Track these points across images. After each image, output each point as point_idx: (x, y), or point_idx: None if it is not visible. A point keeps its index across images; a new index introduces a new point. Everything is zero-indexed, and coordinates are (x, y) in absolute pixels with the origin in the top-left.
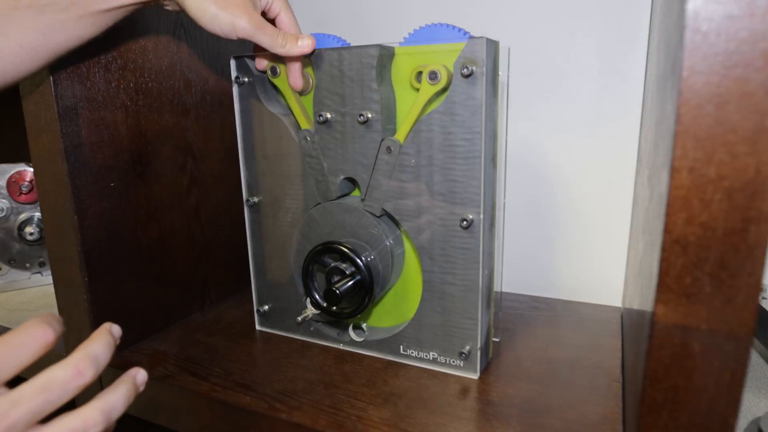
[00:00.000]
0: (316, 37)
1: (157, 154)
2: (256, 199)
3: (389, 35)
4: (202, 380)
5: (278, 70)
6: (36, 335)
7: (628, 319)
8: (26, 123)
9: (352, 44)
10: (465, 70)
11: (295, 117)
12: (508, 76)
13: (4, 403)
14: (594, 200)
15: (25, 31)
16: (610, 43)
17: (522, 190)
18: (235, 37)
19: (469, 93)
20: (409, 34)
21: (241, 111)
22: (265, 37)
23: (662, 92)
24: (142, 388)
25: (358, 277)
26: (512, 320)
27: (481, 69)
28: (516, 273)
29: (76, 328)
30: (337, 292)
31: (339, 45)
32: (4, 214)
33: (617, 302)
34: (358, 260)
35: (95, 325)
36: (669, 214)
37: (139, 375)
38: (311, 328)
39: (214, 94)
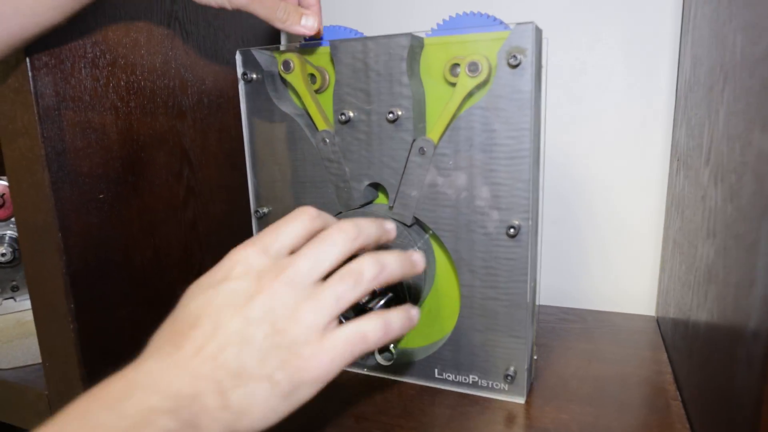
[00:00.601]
0: (332, 30)
1: (150, 161)
2: (265, 210)
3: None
4: None
5: (292, 65)
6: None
7: (675, 328)
8: (1, 124)
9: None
10: (513, 59)
11: (311, 117)
12: (546, 69)
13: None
14: (621, 204)
15: None
16: (637, 29)
17: (546, 193)
18: (230, 8)
19: (516, 85)
20: (438, 24)
21: (249, 111)
22: (262, 8)
23: (750, 81)
24: (418, 269)
25: (391, 295)
26: (545, 334)
27: (529, 58)
28: (542, 283)
29: (61, 362)
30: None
31: (355, 36)
32: None
33: (648, 311)
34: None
35: (83, 358)
36: None
37: (415, 255)
38: None
39: (211, 95)
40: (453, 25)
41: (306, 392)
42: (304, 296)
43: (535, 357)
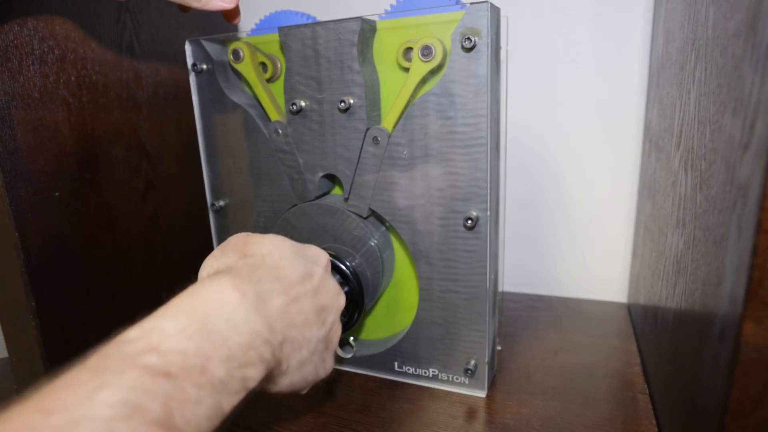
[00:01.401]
0: (281, 15)
1: (107, 156)
2: (222, 203)
3: (366, 8)
4: None
5: (241, 54)
6: None
7: (644, 318)
8: None
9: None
10: (467, 42)
11: (263, 107)
12: (506, 50)
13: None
14: (592, 188)
15: None
16: (607, 10)
17: (511, 177)
18: None
19: (471, 69)
20: (391, 5)
21: (201, 103)
22: None
23: (722, 60)
24: None
25: (346, 288)
26: (512, 323)
27: (484, 40)
28: (508, 270)
29: (26, 359)
30: None
31: (308, 21)
32: None
33: (619, 297)
34: (345, 269)
35: (47, 355)
36: (765, 208)
37: None
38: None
39: (167, 86)
40: (407, 5)
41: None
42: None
43: (500, 348)
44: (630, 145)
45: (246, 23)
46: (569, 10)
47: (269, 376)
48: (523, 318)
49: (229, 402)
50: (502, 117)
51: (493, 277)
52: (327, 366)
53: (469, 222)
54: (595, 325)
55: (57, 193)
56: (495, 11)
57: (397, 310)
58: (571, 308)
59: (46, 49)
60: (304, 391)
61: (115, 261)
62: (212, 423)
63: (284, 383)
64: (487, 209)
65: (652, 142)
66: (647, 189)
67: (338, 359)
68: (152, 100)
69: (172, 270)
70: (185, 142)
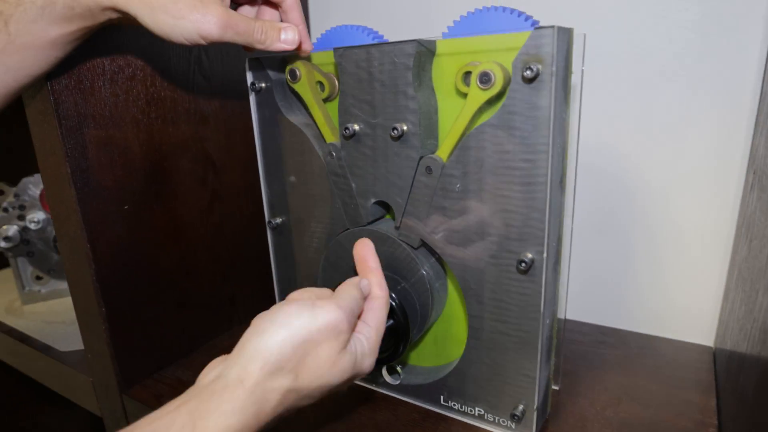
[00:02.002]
0: (341, 30)
1: (174, 169)
2: (279, 220)
3: (436, 26)
4: None
5: (298, 74)
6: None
7: (728, 372)
8: (35, 146)
9: (387, 39)
10: (528, 71)
11: (318, 128)
12: (582, 71)
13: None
14: (682, 215)
15: None
16: (712, 16)
17: (590, 200)
18: (204, 43)
19: (533, 101)
20: (455, 22)
21: (260, 121)
22: (237, 36)
23: None
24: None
25: (391, 321)
26: (575, 359)
27: (549, 69)
28: (580, 297)
29: (98, 354)
30: None
31: (371, 40)
32: (40, 225)
33: (705, 340)
34: (392, 302)
35: (115, 353)
36: None
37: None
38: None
39: (235, 98)
40: (469, 24)
41: None
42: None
43: (556, 387)
44: (731, 174)
45: (315, 35)
46: (669, 10)
47: None
48: (589, 354)
49: None
50: (572, 146)
51: (548, 321)
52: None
53: (523, 265)
54: (670, 370)
55: (126, 207)
56: (564, 35)
57: (446, 342)
58: (645, 347)
59: (116, 69)
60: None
61: (181, 268)
62: None
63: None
64: (543, 251)
65: (756, 175)
66: (745, 228)
67: (384, 384)
68: (219, 112)
69: (235, 276)
70: (252, 152)
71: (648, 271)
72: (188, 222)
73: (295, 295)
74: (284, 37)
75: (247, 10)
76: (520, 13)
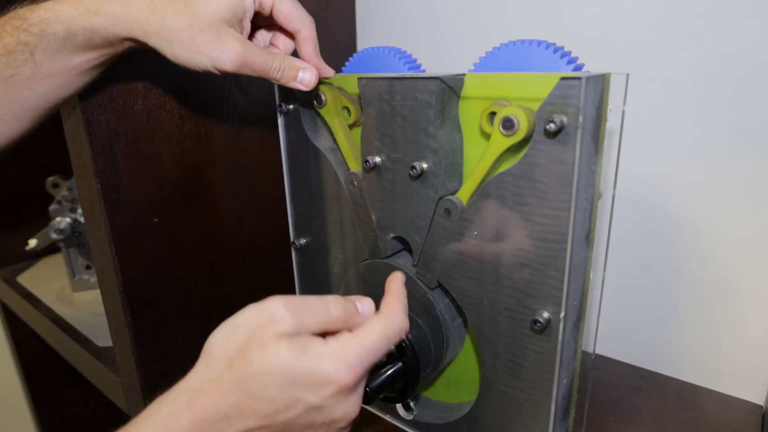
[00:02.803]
0: (373, 53)
1: (206, 182)
2: (303, 241)
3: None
4: None
5: (324, 99)
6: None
7: None
8: (71, 161)
9: (422, 65)
10: (551, 125)
11: (342, 155)
12: (623, 111)
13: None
14: (735, 252)
15: (0, 103)
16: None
17: (630, 230)
18: (217, 73)
19: (557, 155)
20: (487, 53)
21: (287, 143)
22: (252, 71)
23: None
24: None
25: (399, 365)
26: (607, 404)
27: (575, 122)
28: (619, 335)
29: (125, 357)
30: (367, 389)
31: (403, 65)
32: None
33: (754, 397)
34: (401, 343)
35: (140, 362)
36: None
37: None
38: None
39: (272, 110)
40: (500, 58)
41: None
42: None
43: None
44: None
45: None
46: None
47: None
48: (623, 401)
49: None
50: (607, 193)
51: (565, 381)
52: None
53: (538, 325)
54: (710, 429)
55: (155, 220)
56: (596, 83)
57: (463, 378)
58: (685, 398)
59: (149, 86)
60: None
61: (209, 279)
62: None
63: None
64: (561, 310)
65: None
66: None
67: (399, 417)
68: (255, 125)
69: (266, 283)
70: None
71: (694, 313)
72: (219, 234)
73: None
74: (301, 77)
75: (262, 34)
76: (556, 49)
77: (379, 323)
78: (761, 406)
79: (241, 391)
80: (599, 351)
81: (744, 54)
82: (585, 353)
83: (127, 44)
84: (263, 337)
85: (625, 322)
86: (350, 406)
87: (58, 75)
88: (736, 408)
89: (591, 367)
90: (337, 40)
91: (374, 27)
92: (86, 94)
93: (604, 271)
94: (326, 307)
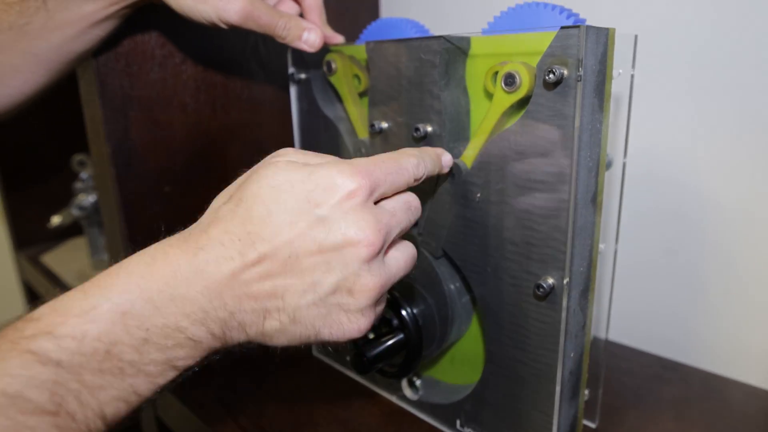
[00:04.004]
0: (387, 23)
1: (221, 154)
2: None
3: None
4: (231, 419)
5: (334, 66)
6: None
7: None
8: (86, 126)
9: (432, 32)
10: (550, 75)
11: (351, 123)
12: (632, 75)
13: (384, 214)
14: (765, 237)
15: (15, 54)
16: None
17: (653, 212)
18: (224, 26)
19: (557, 108)
20: (495, 18)
21: (299, 113)
22: (257, 25)
23: None
24: (445, 170)
25: (401, 336)
26: (625, 394)
27: (574, 73)
28: (642, 323)
29: None
30: (365, 358)
31: (415, 34)
32: None
33: None
34: (404, 313)
35: None
36: None
37: (444, 156)
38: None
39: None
40: (510, 20)
41: (326, 341)
42: (382, 274)
43: (594, 425)
44: None
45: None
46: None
47: (236, 344)
48: (642, 390)
49: (150, 383)
50: (618, 160)
51: (572, 354)
52: (342, 329)
53: (541, 290)
54: (734, 420)
55: (166, 188)
56: (597, 35)
57: (473, 356)
58: (709, 389)
59: (166, 54)
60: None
61: None
62: (130, 403)
63: (277, 342)
64: (564, 276)
65: None
66: None
67: (404, 397)
68: (275, 100)
69: None
70: None
71: (721, 301)
72: None
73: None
74: (306, 36)
75: None
76: (562, 10)
77: (389, 153)
78: None
79: (237, 217)
80: (623, 341)
81: None
82: (597, 339)
83: None
84: (266, 162)
85: (649, 310)
86: (365, 222)
87: (70, 25)
88: (763, 398)
89: (604, 349)
90: (361, 22)
91: (398, 7)
92: (102, 59)
93: (616, 243)
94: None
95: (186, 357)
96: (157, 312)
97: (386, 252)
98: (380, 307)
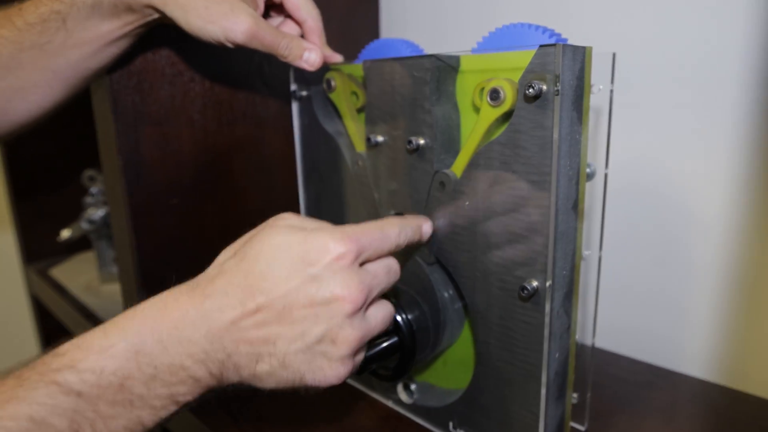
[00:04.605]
0: (384, 43)
1: (227, 169)
2: None
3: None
4: (232, 420)
5: (333, 84)
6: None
7: None
8: (98, 139)
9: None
10: (530, 90)
11: (350, 137)
12: (611, 91)
13: (368, 276)
14: (749, 246)
15: (35, 70)
16: None
17: (640, 223)
18: (230, 46)
19: (538, 120)
20: (483, 38)
21: (301, 128)
22: (261, 45)
23: None
24: (425, 238)
25: (395, 339)
26: (614, 399)
27: (553, 88)
28: (634, 332)
29: None
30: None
31: (408, 53)
32: None
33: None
34: (399, 318)
35: None
36: None
37: (425, 226)
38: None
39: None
40: (498, 40)
41: (310, 385)
42: (362, 327)
43: (581, 428)
44: None
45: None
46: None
47: (230, 384)
48: (632, 396)
49: (153, 415)
50: (600, 170)
51: (558, 356)
52: (324, 374)
53: (525, 292)
54: (723, 425)
55: (174, 200)
56: (574, 53)
57: (467, 361)
58: (699, 394)
59: (176, 73)
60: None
61: None
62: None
63: (266, 384)
64: (546, 279)
65: None
66: None
67: (400, 402)
68: (279, 117)
69: None
70: None
71: (709, 309)
72: (237, 221)
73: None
74: (306, 56)
75: (273, 19)
76: (545, 30)
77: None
78: None
79: (241, 271)
80: (615, 349)
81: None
82: (584, 345)
83: (147, 12)
84: (268, 224)
85: (639, 318)
86: (351, 282)
87: (87, 43)
88: (752, 403)
89: (591, 354)
90: (362, 44)
91: (397, 28)
92: (116, 76)
93: (600, 250)
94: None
95: (186, 393)
96: (165, 352)
97: (367, 308)
98: (359, 358)
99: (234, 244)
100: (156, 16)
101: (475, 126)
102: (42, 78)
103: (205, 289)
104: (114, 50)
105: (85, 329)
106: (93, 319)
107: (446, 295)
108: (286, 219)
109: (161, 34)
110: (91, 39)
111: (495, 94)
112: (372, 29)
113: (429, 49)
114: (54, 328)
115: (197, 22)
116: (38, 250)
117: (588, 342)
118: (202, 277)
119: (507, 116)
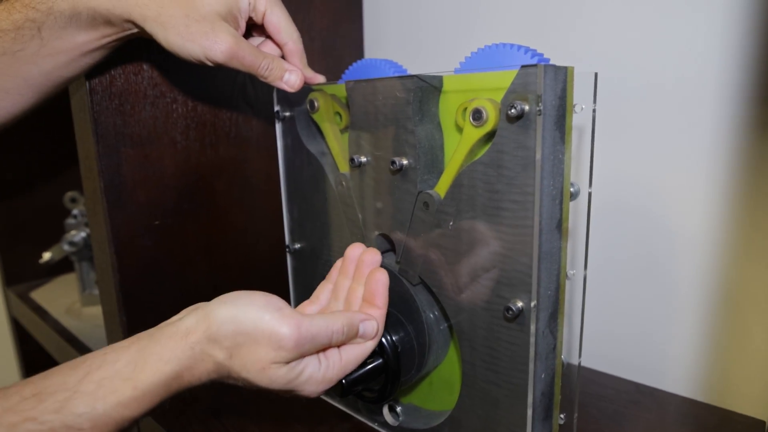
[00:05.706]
0: (368, 64)
1: (209, 189)
2: (297, 246)
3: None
4: None
5: (316, 105)
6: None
7: None
8: (80, 162)
9: (409, 71)
10: (512, 110)
11: (333, 157)
12: (594, 110)
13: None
14: (735, 265)
15: (6, 77)
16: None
17: (628, 242)
18: (210, 65)
19: (520, 140)
20: (466, 58)
21: (284, 148)
22: (242, 65)
23: None
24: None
25: (380, 361)
26: (601, 419)
27: (535, 108)
28: (619, 350)
29: None
30: (343, 381)
31: (392, 73)
32: None
33: (758, 413)
34: (383, 340)
35: None
36: None
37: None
38: (349, 396)
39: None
40: (481, 60)
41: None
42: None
43: None
44: None
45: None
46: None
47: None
48: (618, 415)
49: None
50: (584, 189)
51: (543, 376)
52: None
53: (510, 313)
54: None
55: (156, 222)
56: (555, 73)
57: (451, 383)
58: (684, 413)
59: (158, 94)
60: None
61: (209, 284)
62: None
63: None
64: (531, 299)
65: None
66: None
67: (386, 424)
68: (262, 137)
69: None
70: None
71: (693, 327)
72: (220, 241)
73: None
74: (287, 78)
75: (254, 39)
76: (527, 50)
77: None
78: (763, 422)
79: (225, 376)
80: (601, 368)
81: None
82: (571, 365)
83: (126, 26)
84: (265, 359)
85: (625, 338)
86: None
87: (62, 53)
88: (738, 423)
89: (578, 374)
90: (345, 63)
91: (380, 48)
92: (97, 98)
93: (585, 269)
94: (330, 336)
95: None
96: None
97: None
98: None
99: (234, 323)
100: (134, 30)
101: (458, 146)
102: (13, 85)
103: (181, 360)
104: (88, 60)
105: (66, 353)
106: (74, 343)
107: (431, 315)
108: (281, 352)
109: (143, 54)
110: (66, 49)
111: (477, 114)
112: (356, 48)
113: (413, 69)
114: (34, 352)
115: (177, 41)
116: (19, 272)
117: (574, 361)
118: (190, 353)
119: (490, 136)
